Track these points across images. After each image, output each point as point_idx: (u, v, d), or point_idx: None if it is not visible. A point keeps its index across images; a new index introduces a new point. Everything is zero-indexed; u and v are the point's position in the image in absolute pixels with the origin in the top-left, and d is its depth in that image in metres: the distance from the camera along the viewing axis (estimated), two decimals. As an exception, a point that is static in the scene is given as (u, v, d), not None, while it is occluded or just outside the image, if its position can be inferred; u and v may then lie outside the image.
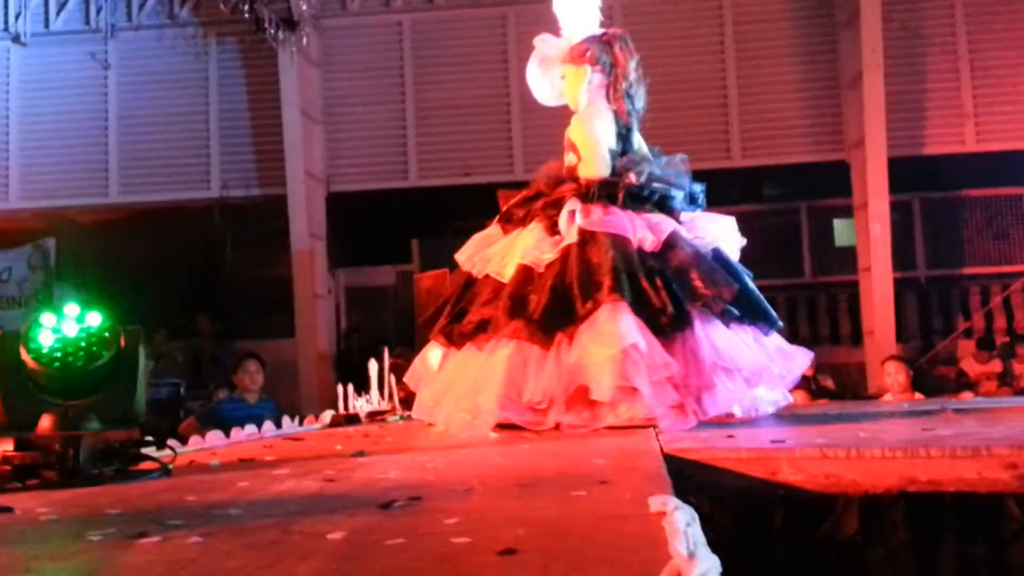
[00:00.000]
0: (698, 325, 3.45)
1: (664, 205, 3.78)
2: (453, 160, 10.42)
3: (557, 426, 3.36)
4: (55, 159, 10.63)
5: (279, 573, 1.18)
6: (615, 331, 3.31)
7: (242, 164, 10.63)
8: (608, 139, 3.87)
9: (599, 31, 4.07)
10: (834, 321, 10.49)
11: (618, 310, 3.37)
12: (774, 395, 3.78)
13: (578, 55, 3.96)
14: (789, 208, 10.96)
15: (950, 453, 2.44)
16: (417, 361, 4.01)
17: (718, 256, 3.78)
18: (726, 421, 3.43)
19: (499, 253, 3.81)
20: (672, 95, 9.13)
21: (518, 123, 10.29)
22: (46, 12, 10.83)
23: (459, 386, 3.55)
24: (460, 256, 3.99)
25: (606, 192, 3.71)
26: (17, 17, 10.74)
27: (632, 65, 3.97)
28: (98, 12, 10.71)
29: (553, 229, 3.69)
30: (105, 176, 10.67)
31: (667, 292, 3.47)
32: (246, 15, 9.80)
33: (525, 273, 3.65)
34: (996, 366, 9.55)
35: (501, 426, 3.38)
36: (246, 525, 1.51)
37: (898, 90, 9.72)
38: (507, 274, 3.68)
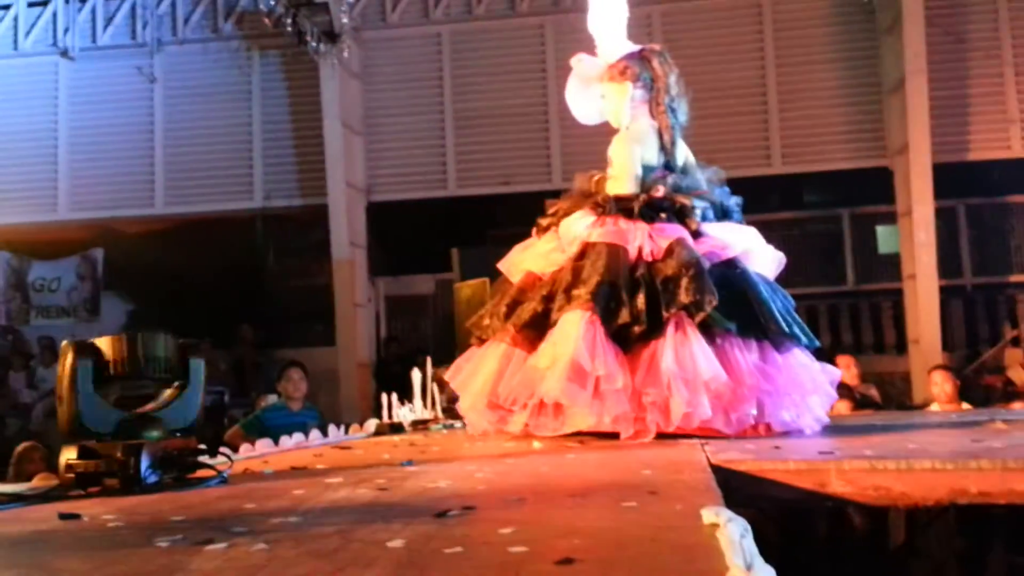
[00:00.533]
0: (669, 335, 3.41)
1: (682, 216, 3.77)
2: (492, 169, 10.48)
3: (526, 428, 3.49)
4: (103, 171, 10.86)
5: (345, 580, 1.21)
6: (569, 337, 3.35)
7: (284, 175, 10.78)
8: (649, 156, 3.91)
9: (636, 47, 4.08)
10: (878, 330, 10.36)
11: (583, 318, 3.40)
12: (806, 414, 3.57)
13: (618, 73, 3.99)
14: (831, 215, 10.86)
15: (1001, 465, 2.41)
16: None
17: (731, 265, 3.70)
18: (753, 435, 3.37)
19: (523, 259, 3.91)
20: (712, 102, 9.10)
21: (556, 132, 10.32)
22: (93, 27, 11.09)
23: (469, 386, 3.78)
24: (502, 263, 4.06)
25: (621, 206, 3.74)
26: (65, 32, 11.01)
27: (672, 79, 4.00)
28: (144, 27, 10.94)
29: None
30: (151, 188, 10.87)
31: (649, 303, 3.47)
32: (288, 28, 9.96)
33: (529, 279, 3.80)
34: (1045, 375, 9.37)
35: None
36: (307, 532, 1.55)
37: (941, 95, 9.60)
38: (515, 280, 3.86)
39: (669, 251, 3.59)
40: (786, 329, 3.58)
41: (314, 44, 9.87)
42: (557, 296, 3.58)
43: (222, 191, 10.81)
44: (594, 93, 4.11)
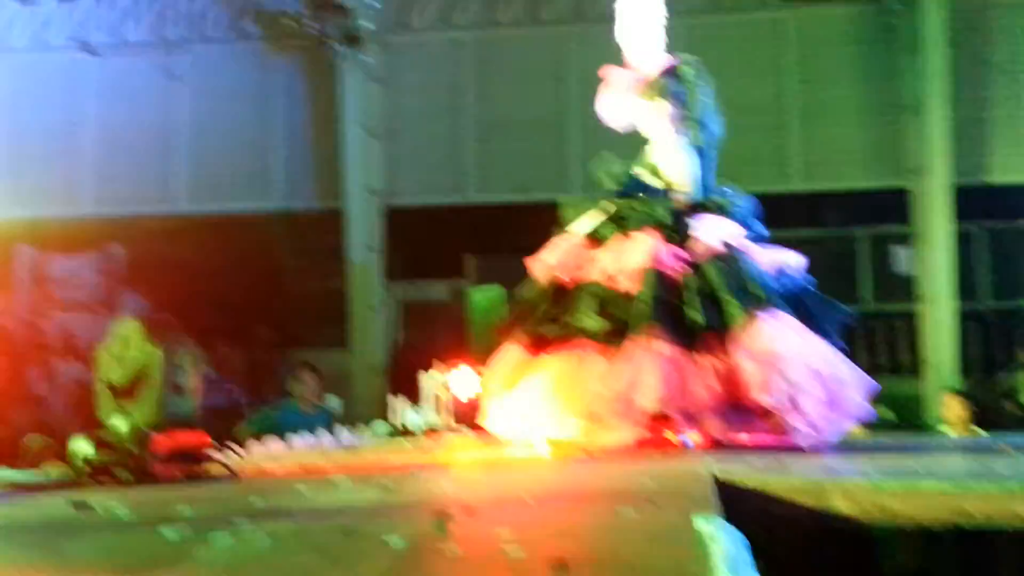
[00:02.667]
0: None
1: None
2: (510, 177, 10.51)
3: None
4: (127, 168, 10.96)
5: (343, 572, 1.24)
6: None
7: (303, 177, 10.85)
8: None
9: (669, 60, 4.10)
10: (892, 350, 10.31)
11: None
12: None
13: (652, 89, 4.03)
14: (847, 235, 10.82)
15: (1006, 489, 2.42)
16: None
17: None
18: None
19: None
20: (731, 117, 9.10)
21: (576, 141, 10.35)
22: (121, 23, 11.21)
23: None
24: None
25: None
26: (91, 28, 11.13)
27: (705, 92, 4.02)
28: (170, 25, 11.05)
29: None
30: (173, 186, 10.96)
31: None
32: (310, 31, 10.04)
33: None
34: (1059, 401, 9.30)
35: None
36: (310, 528, 1.58)
37: (961, 116, 9.56)
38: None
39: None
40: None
41: (337, 47, 9.94)
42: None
43: (241, 191, 10.89)
44: (627, 102, 4.13)
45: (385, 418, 4.94)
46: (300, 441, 3.64)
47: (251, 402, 8.94)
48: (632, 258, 3.65)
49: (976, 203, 9.90)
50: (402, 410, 4.74)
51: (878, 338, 10.34)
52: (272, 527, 1.55)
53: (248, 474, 2.46)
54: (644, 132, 4.09)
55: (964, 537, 4.06)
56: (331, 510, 1.82)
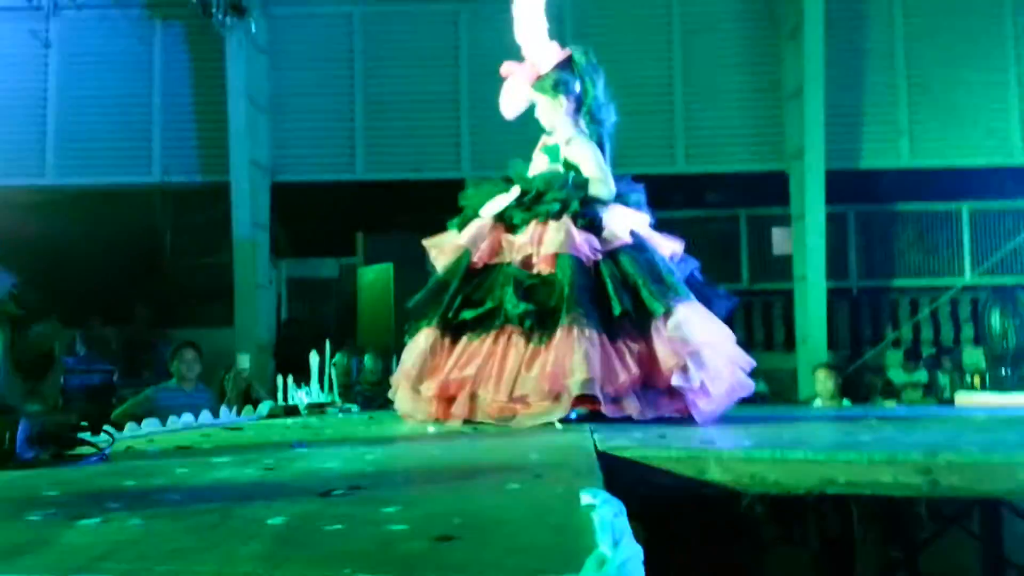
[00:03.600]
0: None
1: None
2: (401, 155, 10.42)
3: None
4: (-9, 137, 10.36)
5: (220, 555, 1.21)
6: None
7: (185, 150, 10.48)
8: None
9: (563, 52, 4.14)
10: (769, 327, 10.75)
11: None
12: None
13: (550, 87, 4.06)
14: (729, 216, 11.19)
15: (868, 457, 2.55)
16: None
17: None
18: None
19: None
20: (619, 100, 9.25)
21: (467, 120, 10.33)
22: (-13, -14, 10.55)
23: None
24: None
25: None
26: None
27: (600, 85, 4.10)
28: (41, -11, 10.46)
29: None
30: (43, 157, 10.43)
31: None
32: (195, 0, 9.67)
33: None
34: (922, 377, 9.89)
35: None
36: (186, 509, 1.54)
37: (837, 103, 9.99)
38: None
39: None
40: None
41: (220, 17, 9.61)
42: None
43: (118, 164, 10.45)
44: (522, 93, 4.17)
45: (273, 398, 4.85)
46: (179, 421, 3.54)
47: (128, 382, 8.64)
48: (550, 244, 3.68)
49: (848, 187, 10.40)
50: (289, 389, 4.66)
51: (756, 315, 10.77)
52: (146, 510, 1.51)
53: (122, 456, 2.37)
54: (543, 123, 4.12)
55: (831, 503, 4.29)
56: (209, 491, 1.77)
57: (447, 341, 3.70)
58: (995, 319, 6.92)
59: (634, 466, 2.53)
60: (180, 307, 10.63)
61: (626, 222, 3.86)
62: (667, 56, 10.44)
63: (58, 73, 10.48)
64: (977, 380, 8.00)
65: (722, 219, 11.13)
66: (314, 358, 4.88)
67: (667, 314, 3.56)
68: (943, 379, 9.73)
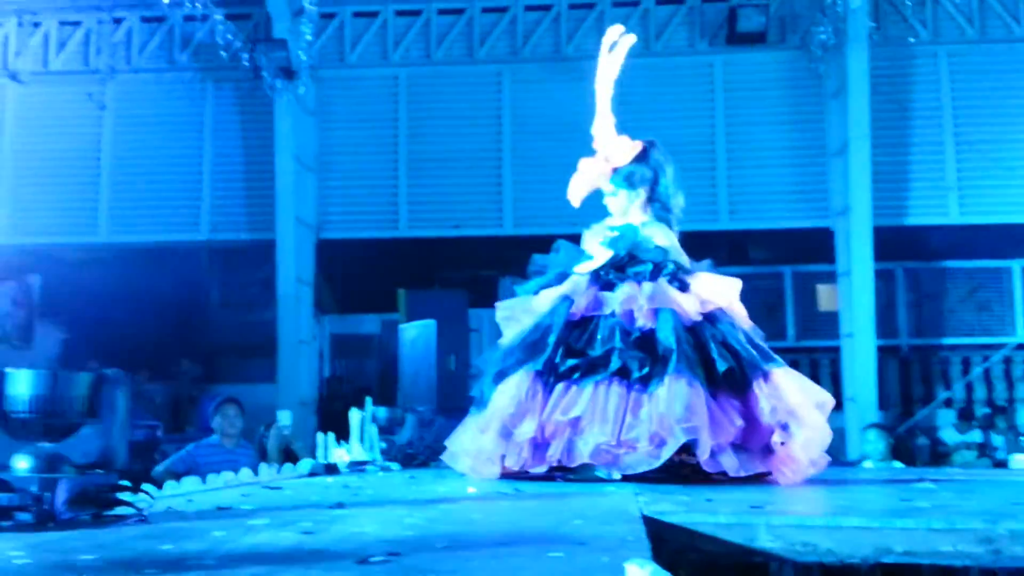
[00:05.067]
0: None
1: None
2: (443, 212, 10.50)
3: None
4: (47, 196, 10.65)
5: (253, 627, 1.17)
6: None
7: (233, 208, 10.68)
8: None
9: (636, 145, 4.23)
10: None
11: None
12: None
13: (625, 179, 4.23)
14: (774, 273, 11.07)
15: (927, 526, 2.45)
16: None
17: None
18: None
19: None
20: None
21: (509, 178, 10.40)
22: (46, 51, 10.95)
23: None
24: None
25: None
26: (17, 55, 10.85)
27: (669, 174, 4.30)
28: (97, 53, 10.83)
29: None
30: (96, 215, 10.69)
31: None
32: (245, 63, 9.94)
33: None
34: (975, 437, 9.60)
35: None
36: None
37: (884, 160, 9.90)
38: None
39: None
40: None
41: (270, 79, 9.86)
42: None
43: (168, 222, 10.67)
44: (594, 182, 4.26)
45: (313, 455, 4.83)
46: (219, 480, 3.53)
47: (171, 437, 8.70)
48: (654, 299, 3.81)
49: (896, 244, 10.24)
50: (330, 446, 4.63)
51: (803, 372, 10.55)
52: (180, 575, 1.48)
53: (160, 517, 2.35)
54: (613, 210, 4.29)
55: (886, 572, 4.12)
56: (245, 557, 1.74)
57: (540, 387, 3.73)
58: (1051, 378, 6.70)
59: (681, 532, 2.45)
60: (224, 363, 10.73)
61: (717, 287, 3.95)
62: (709, 115, 10.46)
63: (113, 134, 10.78)
64: (1034, 442, 7.73)
65: (767, 275, 11.01)
66: (354, 415, 4.86)
67: (765, 376, 3.68)
68: (996, 440, 9.43)
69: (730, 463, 3.50)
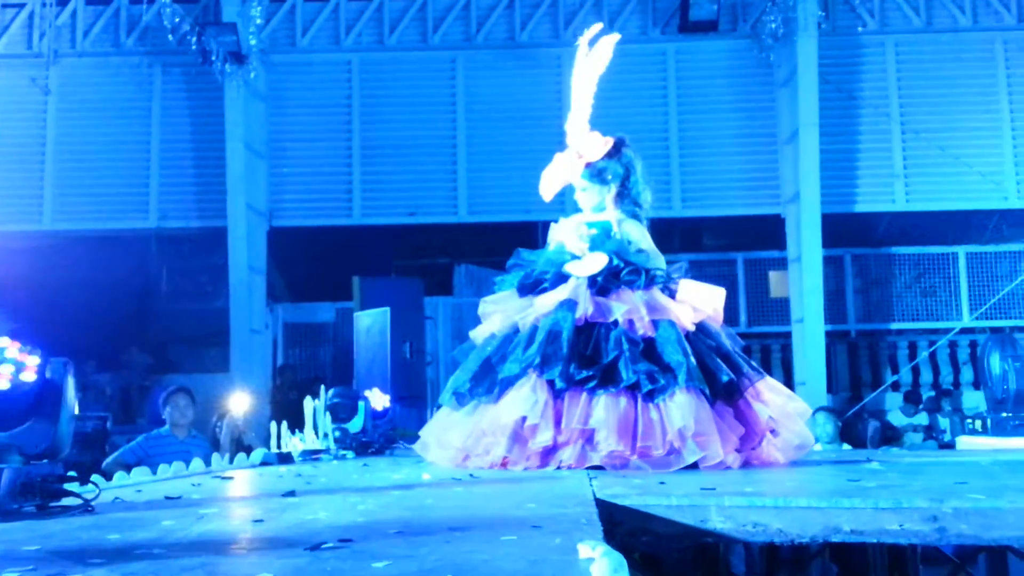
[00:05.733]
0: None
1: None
2: (397, 200, 10.44)
3: None
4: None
5: (202, 614, 1.16)
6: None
7: (182, 195, 10.50)
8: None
9: (608, 141, 4.26)
10: (767, 370, 10.67)
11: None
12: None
13: (597, 175, 4.23)
14: (727, 259, 11.20)
15: (873, 505, 2.50)
16: None
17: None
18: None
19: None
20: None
21: (464, 165, 10.37)
22: (-13, 34, 10.64)
23: None
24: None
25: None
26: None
27: (639, 170, 4.32)
28: (41, 37, 10.56)
29: None
30: (41, 203, 10.44)
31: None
32: (193, 47, 9.76)
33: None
34: (922, 419, 9.82)
35: None
36: (169, 565, 1.49)
37: (832, 148, 10.05)
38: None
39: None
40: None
41: (220, 64, 9.70)
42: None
43: (116, 209, 10.46)
44: (564, 179, 4.25)
45: (266, 444, 4.77)
46: (169, 470, 3.47)
47: (122, 428, 8.55)
48: (656, 310, 3.85)
49: (845, 231, 10.42)
50: (284, 435, 4.59)
51: (754, 358, 10.71)
52: (128, 566, 1.45)
53: (108, 507, 2.31)
54: (583, 205, 4.29)
55: (834, 551, 4.21)
56: (194, 545, 1.71)
57: (553, 395, 3.73)
58: (995, 362, 6.87)
59: (634, 514, 2.47)
60: (176, 352, 10.57)
61: (702, 296, 4.03)
62: (661, 103, 10.52)
63: (57, 120, 10.53)
64: (979, 424, 7.93)
65: (720, 262, 11.13)
66: (308, 404, 4.81)
67: (753, 384, 3.84)
68: (943, 422, 9.66)
69: (733, 461, 3.63)
